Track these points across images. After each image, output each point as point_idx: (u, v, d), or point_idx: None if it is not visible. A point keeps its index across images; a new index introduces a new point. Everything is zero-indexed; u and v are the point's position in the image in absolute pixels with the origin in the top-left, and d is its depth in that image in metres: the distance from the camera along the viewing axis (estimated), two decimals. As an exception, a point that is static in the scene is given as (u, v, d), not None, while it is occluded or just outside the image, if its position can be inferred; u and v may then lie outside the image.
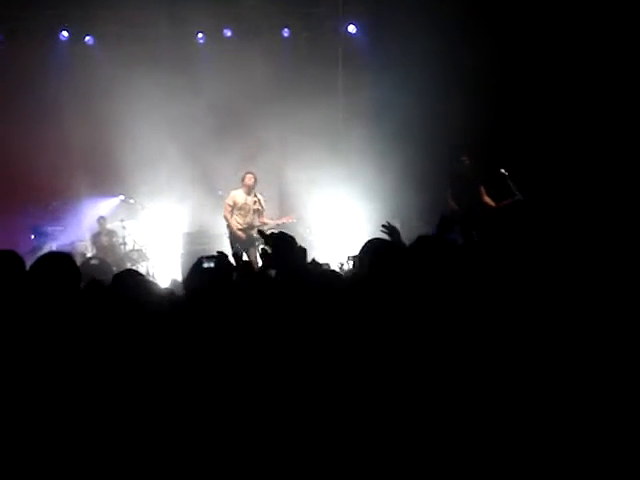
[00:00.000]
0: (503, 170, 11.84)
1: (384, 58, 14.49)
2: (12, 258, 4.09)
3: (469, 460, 3.12)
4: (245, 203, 12.27)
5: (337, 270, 7.92)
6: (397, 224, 5.59)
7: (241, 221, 12.23)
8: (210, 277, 3.82)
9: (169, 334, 3.59)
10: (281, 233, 3.95)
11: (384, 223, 5.31)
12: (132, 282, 3.94)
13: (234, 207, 12.27)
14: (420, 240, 4.04)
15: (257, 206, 12.21)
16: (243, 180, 12.31)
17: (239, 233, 12.12)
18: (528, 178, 12.02)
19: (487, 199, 12.32)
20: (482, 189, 12.31)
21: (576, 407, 3.21)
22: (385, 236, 4.90)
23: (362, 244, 4.40)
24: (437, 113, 13.04)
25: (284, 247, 3.73)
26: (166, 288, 6.25)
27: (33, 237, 13.44)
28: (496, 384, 3.24)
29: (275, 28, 15.11)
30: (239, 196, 12.31)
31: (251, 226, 12.17)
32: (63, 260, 3.85)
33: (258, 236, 4.12)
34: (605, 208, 10.28)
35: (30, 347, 3.38)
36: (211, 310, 3.70)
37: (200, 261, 3.88)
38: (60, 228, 13.61)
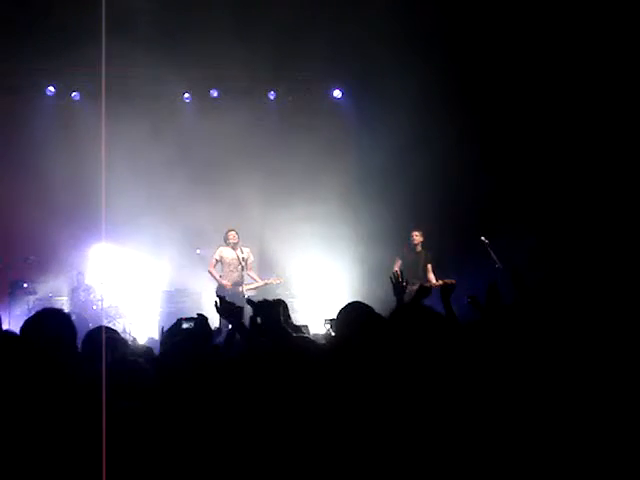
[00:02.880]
0: (484, 238, 11.93)
1: (367, 122, 14.68)
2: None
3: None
4: (234, 258, 12.30)
5: (314, 333, 7.86)
6: (380, 288, 5.61)
7: (229, 277, 12.28)
8: (189, 338, 3.79)
9: (143, 394, 3.55)
10: (267, 303, 3.88)
11: (394, 272, 5.27)
12: (102, 339, 3.89)
13: (221, 262, 12.36)
14: (400, 308, 4.02)
15: (244, 262, 12.27)
16: (227, 239, 12.38)
17: (227, 284, 12.15)
18: (510, 243, 12.16)
19: (431, 276, 12.51)
20: (429, 266, 12.63)
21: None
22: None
23: (341, 307, 4.38)
24: (418, 176, 13.21)
25: (272, 317, 3.67)
26: (142, 346, 6.20)
27: (10, 291, 13.30)
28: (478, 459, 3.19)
29: (261, 90, 15.31)
30: (226, 252, 12.41)
31: (238, 282, 12.20)
32: (60, 317, 3.81)
33: (244, 294, 4.05)
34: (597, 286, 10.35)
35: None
36: (187, 371, 3.66)
37: (179, 322, 3.85)
38: (38, 283, 13.49)
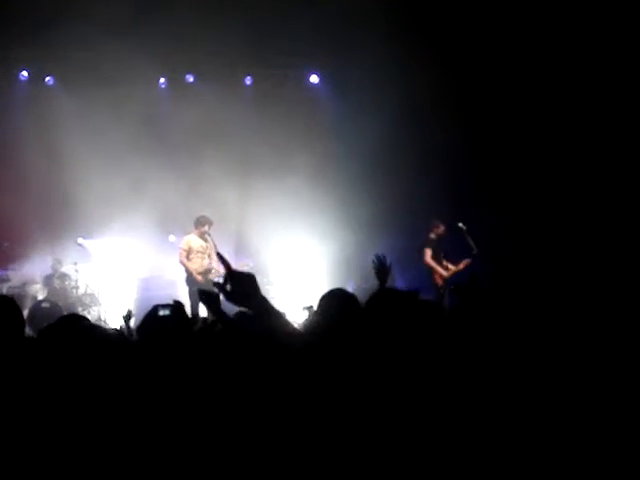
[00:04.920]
0: (461, 224, 11.95)
1: (344, 107, 14.64)
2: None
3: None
4: (201, 246, 12.10)
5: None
6: (359, 275, 5.52)
7: (198, 264, 12.05)
8: (165, 325, 3.73)
9: (115, 381, 3.49)
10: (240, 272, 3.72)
11: (377, 254, 5.16)
12: (75, 328, 3.80)
13: (189, 252, 12.09)
14: (378, 294, 3.94)
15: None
16: (202, 226, 12.11)
17: (198, 277, 11.86)
18: (487, 232, 12.18)
19: (447, 264, 12.42)
20: (441, 255, 12.41)
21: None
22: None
23: (322, 294, 4.30)
24: (395, 161, 13.25)
25: (246, 284, 3.54)
26: (116, 332, 6.13)
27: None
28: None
29: (237, 76, 15.20)
30: (194, 241, 12.13)
31: (209, 270, 12.02)
32: (3, 304, 3.71)
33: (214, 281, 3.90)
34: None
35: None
36: (163, 357, 3.60)
37: (155, 309, 3.78)
38: (11, 270, 13.31)
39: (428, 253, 12.16)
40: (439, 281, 12.02)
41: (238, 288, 3.22)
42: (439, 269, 12.07)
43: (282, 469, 3.16)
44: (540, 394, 3.34)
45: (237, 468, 3.24)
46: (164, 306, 3.79)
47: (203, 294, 4.12)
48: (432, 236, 12.29)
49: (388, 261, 5.25)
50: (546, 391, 3.35)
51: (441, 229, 12.29)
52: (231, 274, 3.22)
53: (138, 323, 3.92)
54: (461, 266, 12.08)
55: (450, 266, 12.23)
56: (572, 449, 3.15)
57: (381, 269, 5.09)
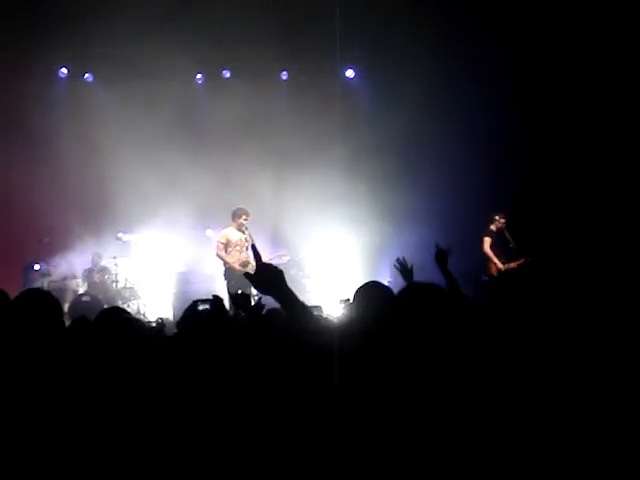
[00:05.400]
0: (498, 217, 11.87)
1: (380, 101, 14.60)
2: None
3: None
4: (240, 239, 12.11)
5: (328, 315, 7.84)
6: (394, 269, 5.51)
7: (236, 258, 12.06)
8: (205, 320, 3.78)
9: (155, 373, 3.55)
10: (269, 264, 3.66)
11: (398, 258, 5.23)
12: (117, 320, 3.87)
13: (227, 245, 12.13)
14: (411, 289, 3.93)
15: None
16: (239, 217, 12.14)
17: (237, 269, 11.76)
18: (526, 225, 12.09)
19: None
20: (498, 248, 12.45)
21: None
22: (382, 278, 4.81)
23: (357, 287, 4.33)
24: (432, 154, 13.17)
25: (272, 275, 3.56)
26: (154, 327, 6.21)
27: (24, 273, 13.35)
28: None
29: (273, 71, 15.25)
30: (232, 233, 12.14)
31: (246, 263, 11.94)
32: (41, 298, 3.78)
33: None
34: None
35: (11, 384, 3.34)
36: (203, 351, 3.65)
37: (195, 304, 3.83)
38: (52, 265, 13.50)
39: (487, 242, 12.25)
40: (493, 271, 12.07)
41: (264, 276, 3.29)
42: (495, 259, 12.12)
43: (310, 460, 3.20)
44: (571, 394, 3.33)
45: (268, 458, 3.29)
46: (203, 301, 3.83)
47: (236, 299, 4.22)
48: (492, 227, 12.38)
49: (409, 263, 5.31)
50: (579, 393, 3.34)
51: (502, 222, 12.32)
52: (260, 265, 3.31)
53: (178, 318, 3.97)
54: (516, 264, 12.03)
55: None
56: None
57: (405, 271, 5.16)
